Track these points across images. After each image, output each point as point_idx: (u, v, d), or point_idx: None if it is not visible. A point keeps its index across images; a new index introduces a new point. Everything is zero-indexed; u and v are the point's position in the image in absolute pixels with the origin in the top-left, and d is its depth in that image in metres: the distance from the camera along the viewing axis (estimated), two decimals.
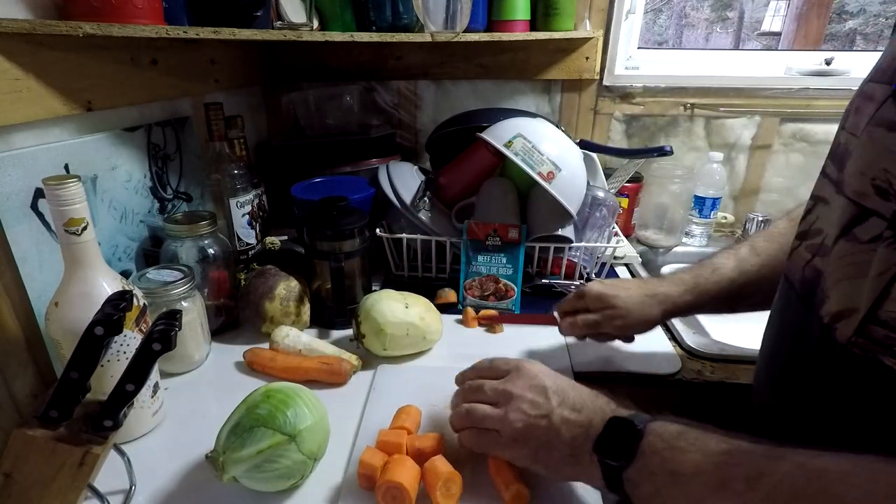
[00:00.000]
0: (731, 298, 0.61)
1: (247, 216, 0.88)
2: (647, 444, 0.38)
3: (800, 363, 0.44)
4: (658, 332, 0.78)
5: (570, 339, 0.75)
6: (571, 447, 0.42)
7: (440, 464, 0.48)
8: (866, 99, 0.40)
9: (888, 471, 0.29)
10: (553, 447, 0.43)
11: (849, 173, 0.39)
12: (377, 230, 0.87)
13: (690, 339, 0.76)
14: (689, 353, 0.74)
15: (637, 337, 0.68)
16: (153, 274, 0.66)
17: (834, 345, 0.37)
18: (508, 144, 0.79)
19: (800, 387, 0.44)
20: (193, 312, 0.67)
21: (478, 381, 0.51)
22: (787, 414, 0.46)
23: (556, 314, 0.70)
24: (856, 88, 0.42)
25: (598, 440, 0.41)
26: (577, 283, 0.88)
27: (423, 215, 0.87)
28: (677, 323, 0.80)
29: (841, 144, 0.42)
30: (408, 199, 0.88)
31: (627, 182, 1.08)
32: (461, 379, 0.54)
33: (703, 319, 0.84)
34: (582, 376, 0.67)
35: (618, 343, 0.69)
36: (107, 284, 0.52)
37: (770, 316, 0.51)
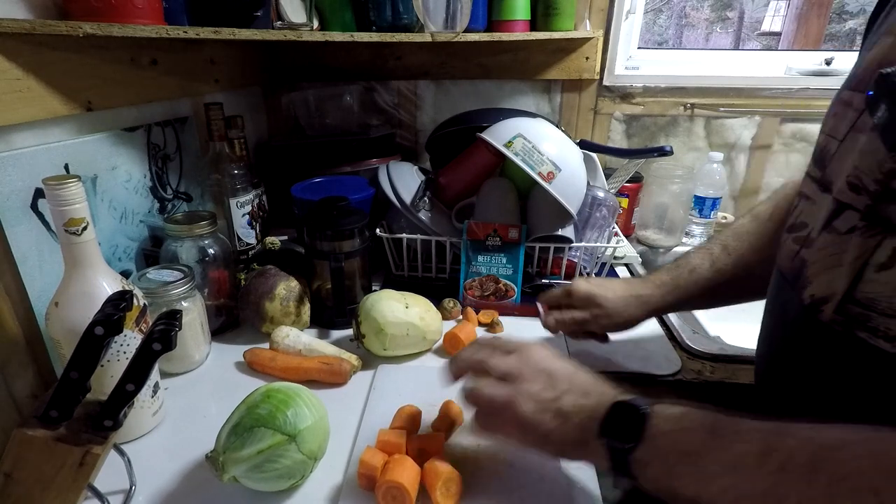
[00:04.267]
0: (708, 296, 0.64)
1: (247, 216, 0.88)
2: (654, 426, 0.39)
3: (790, 342, 0.47)
4: (658, 332, 0.78)
5: (571, 340, 0.75)
6: (580, 431, 0.43)
7: (440, 464, 0.48)
8: (845, 105, 0.42)
9: (886, 438, 0.31)
10: (562, 433, 0.44)
11: (829, 173, 0.42)
12: (377, 230, 0.87)
13: (690, 339, 0.76)
14: (689, 353, 0.74)
15: (637, 337, 0.69)
16: (153, 274, 0.66)
17: (818, 324, 0.41)
18: (508, 144, 0.79)
19: (792, 363, 0.47)
20: (193, 312, 0.67)
21: (485, 350, 0.50)
22: (784, 388, 0.49)
23: (539, 306, 0.71)
24: None
25: (603, 424, 0.41)
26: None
27: (423, 215, 0.87)
28: (677, 323, 0.80)
29: (822, 147, 0.45)
30: (408, 199, 0.88)
31: (627, 182, 1.08)
32: (462, 355, 0.52)
33: (703, 319, 0.85)
34: None
35: (599, 341, 0.70)
36: (107, 284, 0.52)
37: (766, 302, 0.54)
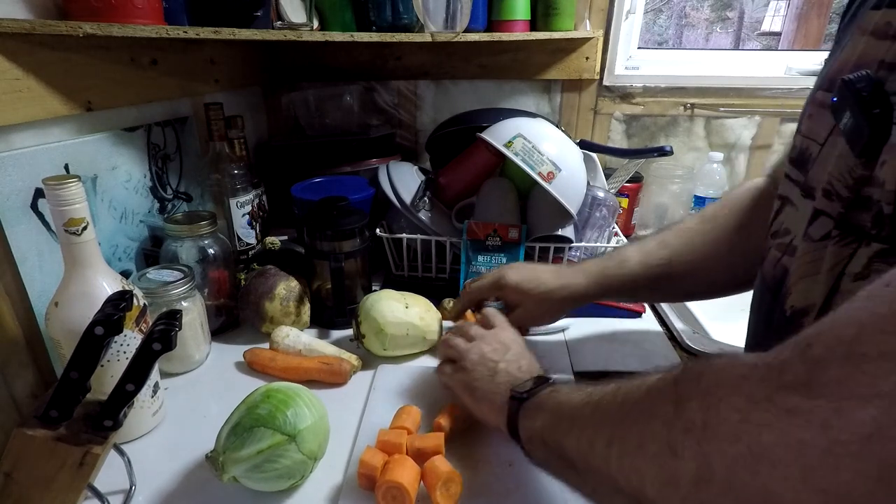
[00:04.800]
0: (634, 290, 0.65)
1: (247, 216, 0.88)
2: (551, 388, 0.45)
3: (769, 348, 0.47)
4: (658, 331, 0.78)
5: (569, 338, 0.75)
6: (498, 391, 0.50)
7: (440, 464, 0.48)
8: (820, 107, 0.42)
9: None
10: (485, 387, 0.51)
11: (811, 178, 0.41)
12: (377, 230, 0.87)
13: (690, 339, 0.76)
14: (690, 353, 0.74)
15: (637, 337, 0.68)
16: (153, 274, 0.66)
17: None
18: (508, 144, 0.79)
19: None
20: (193, 312, 0.67)
21: (469, 324, 0.61)
22: None
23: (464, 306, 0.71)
24: None
25: (517, 385, 0.48)
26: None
27: (423, 215, 0.87)
28: (677, 322, 0.80)
29: (801, 149, 0.44)
30: (408, 199, 0.87)
31: (627, 182, 1.08)
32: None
33: (704, 319, 0.84)
34: (582, 375, 0.68)
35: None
36: (107, 284, 0.52)
37: (750, 306, 0.53)
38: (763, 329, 0.49)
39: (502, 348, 0.54)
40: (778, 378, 0.25)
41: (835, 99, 0.37)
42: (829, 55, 0.46)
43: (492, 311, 0.62)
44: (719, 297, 0.65)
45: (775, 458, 0.23)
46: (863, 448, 0.21)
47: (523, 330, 0.68)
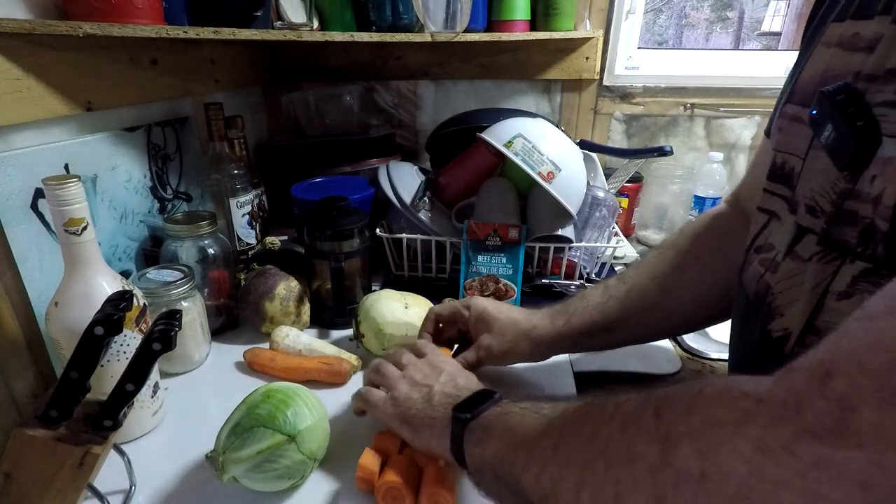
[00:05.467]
0: (600, 328, 0.58)
1: (247, 216, 0.88)
2: (500, 409, 0.42)
3: (754, 369, 0.45)
4: None
5: None
6: (435, 414, 0.46)
7: (435, 476, 0.48)
8: (793, 121, 0.40)
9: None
10: (423, 413, 0.47)
11: (797, 193, 0.39)
12: (377, 230, 0.87)
13: (690, 338, 0.76)
14: (689, 353, 0.74)
15: None
16: (153, 274, 0.66)
17: (782, 356, 0.38)
18: (508, 144, 0.79)
19: None
20: (193, 312, 0.67)
21: (400, 351, 0.56)
22: None
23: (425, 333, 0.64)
24: None
25: (458, 405, 0.44)
26: (578, 283, 0.88)
27: (423, 215, 0.87)
28: None
29: (781, 164, 0.42)
30: (408, 199, 0.87)
31: (627, 182, 1.08)
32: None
33: None
34: (582, 376, 0.68)
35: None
36: (107, 284, 0.52)
37: (731, 323, 0.51)
38: (747, 349, 0.46)
39: (434, 372, 0.51)
40: (796, 420, 0.21)
41: (814, 112, 0.35)
42: (793, 67, 0.45)
43: (422, 342, 0.58)
44: (683, 331, 0.63)
45: None
46: None
47: (479, 364, 0.61)
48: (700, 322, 0.60)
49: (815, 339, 0.33)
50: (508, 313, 0.61)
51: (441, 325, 0.65)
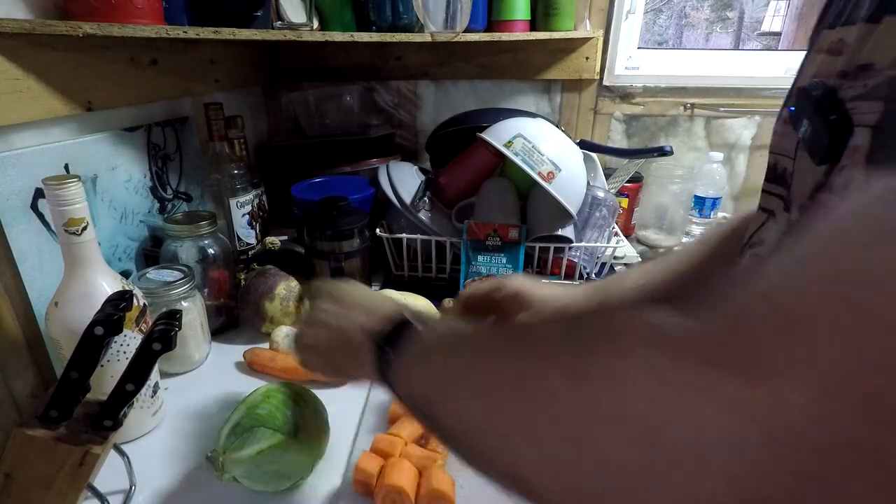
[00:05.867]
0: None
1: (247, 216, 0.88)
2: (426, 329, 0.38)
3: None
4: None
5: None
6: (354, 341, 0.42)
7: (434, 482, 0.48)
8: (785, 123, 0.41)
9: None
10: (335, 345, 0.43)
11: (793, 193, 0.41)
12: (377, 230, 0.87)
13: None
14: None
15: None
16: (153, 274, 0.66)
17: None
18: (508, 144, 0.79)
19: None
20: (193, 312, 0.67)
21: None
22: None
23: (450, 301, 0.65)
24: None
25: (375, 332, 0.40)
26: (577, 282, 0.88)
27: (423, 215, 0.87)
28: None
29: (773, 165, 0.43)
30: (408, 199, 0.87)
31: (627, 182, 1.08)
32: None
33: None
34: None
35: None
36: (107, 284, 0.52)
37: None
38: None
39: (335, 300, 0.45)
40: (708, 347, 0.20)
41: (792, 109, 0.36)
42: (798, 73, 0.46)
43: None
44: None
45: (682, 446, 0.19)
46: (800, 440, 0.17)
47: None
48: None
49: None
50: (543, 291, 0.62)
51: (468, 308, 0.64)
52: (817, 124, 0.33)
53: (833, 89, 0.33)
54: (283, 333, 0.71)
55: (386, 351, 0.39)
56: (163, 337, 0.44)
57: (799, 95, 0.35)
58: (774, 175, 0.43)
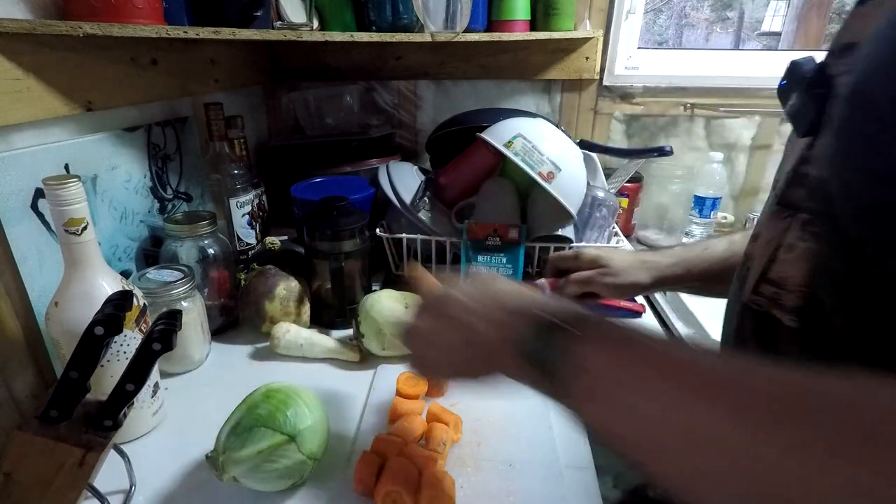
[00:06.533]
0: (717, 278, 0.60)
1: (247, 216, 0.88)
2: (588, 350, 0.31)
3: (728, 325, 0.46)
4: (658, 331, 0.78)
5: None
6: (505, 344, 0.36)
7: (435, 476, 0.48)
8: None
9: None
10: (474, 354, 0.39)
11: (779, 176, 0.43)
12: (377, 230, 0.87)
13: (690, 338, 0.76)
14: None
15: None
16: (153, 274, 0.66)
17: (742, 306, 0.42)
18: (508, 144, 0.79)
19: (737, 343, 0.43)
20: (193, 312, 0.67)
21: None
22: None
23: (544, 280, 0.70)
24: None
25: (528, 340, 0.34)
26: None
27: (423, 215, 0.87)
28: (676, 322, 0.80)
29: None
30: (408, 199, 0.87)
31: (627, 182, 1.08)
32: None
33: (703, 318, 0.84)
34: None
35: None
36: (107, 284, 0.52)
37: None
38: (730, 317, 0.45)
39: (474, 290, 0.40)
40: None
41: (784, 83, 0.38)
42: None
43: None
44: None
45: None
46: None
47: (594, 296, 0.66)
48: None
49: (769, 288, 0.38)
50: (618, 253, 0.67)
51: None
52: (804, 97, 0.35)
53: (822, 64, 0.35)
54: (284, 329, 0.71)
55: (542, 365, 0.33)
56: (163, 337, 0.44)
57: (789, 69, 0.37)
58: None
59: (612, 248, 0.69)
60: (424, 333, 0.43)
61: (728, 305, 0.50)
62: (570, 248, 0.83)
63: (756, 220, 0.48)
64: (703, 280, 0.63)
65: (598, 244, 0.69)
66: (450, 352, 0.40)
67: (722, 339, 0.52)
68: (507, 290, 0.40)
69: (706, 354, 0.28)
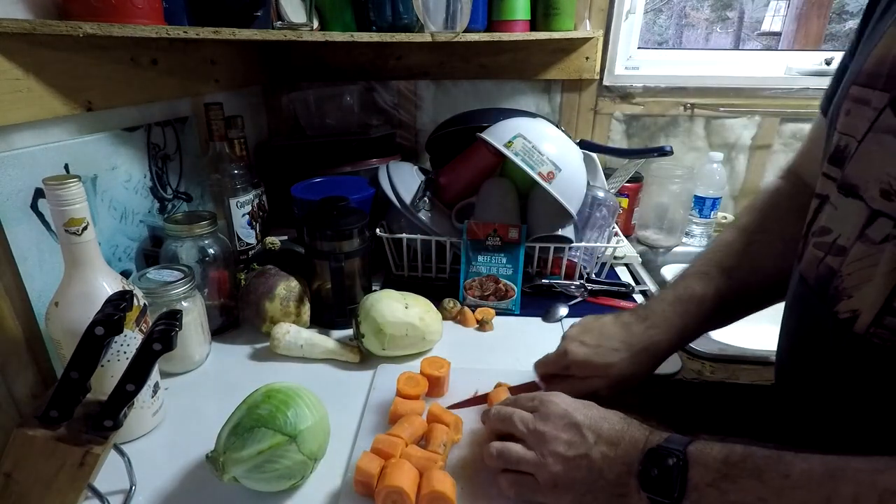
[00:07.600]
0: (713, 324, 0.58)
1: (247, 216, 0.88)
2: (696, 475, 0.38)
3: (818, 355, 0.45)
4: None
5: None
6: (617, 486, 0.42)
7: (436, 477, 0.48)
8: (859, 103, 0.41)
9: None
10: (598, 489, 0.42)
11: (850, 175, 0.40)
12: (377, 230, 0.87)
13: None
14: (689, 353, 0.74)
15: None
16: (153, 274, 0.66)
17: (853, 336, 0.39)
18: (508, 144, 0.79)
19: (819, 377, 0.45)
20: (193, 312, 0.67)
21: (507, 409, 0.49)
22: (807, 391, 0.47)
23: (538, 379, 0.63)
24: None
25: (642, 478, 0.40)
26: (577, 282, 0.88)
27: (423, 215, 0.87)
28: None
29: (836, 145, 0.43)
30: (408, 199, 0.87)
31: (627, 182, 1.08)
32: (491, 415, 0.51)
33: None
34: None
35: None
36: (107, 284, 0.52)
37: (785, 310, 0.51)
38: (806, 333, 0.46)
39: (572, 431, 0.44)
40: None
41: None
42: (854, 51, 0.45)
43: (508, 400, 0.53)
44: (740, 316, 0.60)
45: None
46: None
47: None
48: (758, 304, 0.58)
49: (893, 320, 0.36)
50: (609, 358, 0.57)
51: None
52: None
53: None
54: (284, 330, 0.71)
55: (663, 500, 0.38)
56: (163, 337, 0.44)
57: None
58: (838, 156, 0.42)
59: (603, 341, 0.57)
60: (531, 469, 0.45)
61: (795, 321, 0.48)
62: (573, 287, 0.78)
63: (820, 223, 0.44)
64: (699, 334, 0.59)
65: (586, 337, 0.58)
66: (566, 484, 0.44)
67: (788, 359, 0.50)
68: (597, 420, 0.45)
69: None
